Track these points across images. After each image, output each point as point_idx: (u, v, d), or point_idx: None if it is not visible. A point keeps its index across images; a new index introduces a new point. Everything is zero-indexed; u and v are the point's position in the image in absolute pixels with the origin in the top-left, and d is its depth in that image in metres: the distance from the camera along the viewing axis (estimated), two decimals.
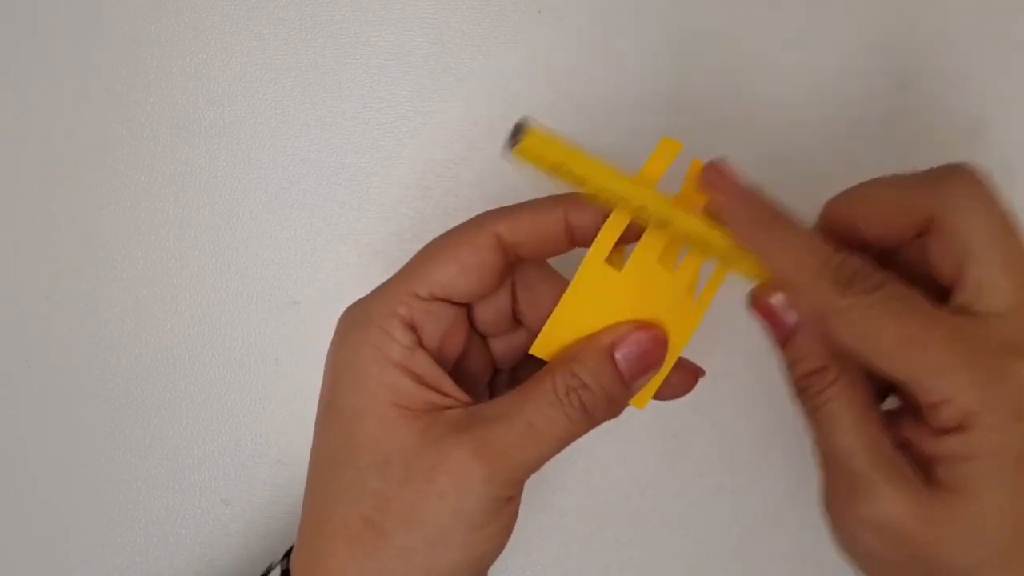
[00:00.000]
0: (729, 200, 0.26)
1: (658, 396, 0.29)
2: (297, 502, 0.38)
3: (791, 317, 0.27)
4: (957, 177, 0.26)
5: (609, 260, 0.27)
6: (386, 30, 0.38)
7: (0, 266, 0.38)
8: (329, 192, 0.38)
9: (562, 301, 0.27)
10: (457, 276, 0.27)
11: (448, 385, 0.28)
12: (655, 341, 0.27)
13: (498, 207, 0.29)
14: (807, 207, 0.38)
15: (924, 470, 0.26)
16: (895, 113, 0.37)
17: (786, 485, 0.37)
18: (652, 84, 0.38)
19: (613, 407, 0.27)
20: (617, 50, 0.38)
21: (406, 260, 0.37)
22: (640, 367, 0.27)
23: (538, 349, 0.27)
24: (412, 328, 0.28)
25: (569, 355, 0.27)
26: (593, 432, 0.33)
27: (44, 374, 0.38)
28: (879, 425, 0.26)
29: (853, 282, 0.25)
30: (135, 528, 0.38)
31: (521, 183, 0.38)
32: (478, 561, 0.27)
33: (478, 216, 0.28)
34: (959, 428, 0.25)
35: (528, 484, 0.37)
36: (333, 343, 0.29)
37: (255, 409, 0.38)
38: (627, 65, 0.38)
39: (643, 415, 0.37)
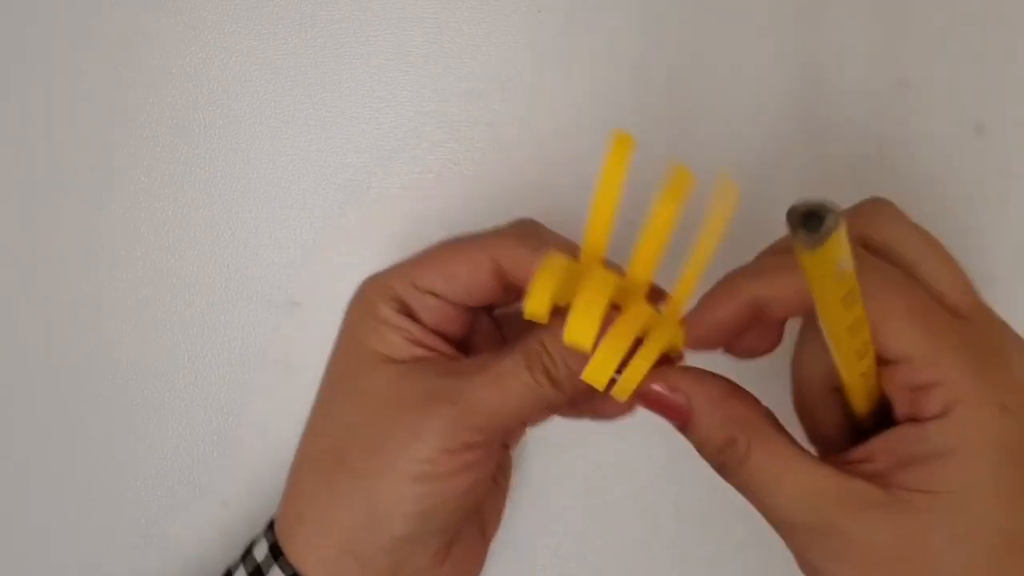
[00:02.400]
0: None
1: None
2: None
3: (682, 399, 0.26)
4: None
5: None
6: (386, 30, 0.38)
7: (0, 266, 0.38)
8: (329, 192, 0.38)
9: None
10: (449, 286, 0.29)
11: (440, 344, 0.29)
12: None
13: (513, 226, 0.30)
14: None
15: (889, 486, 0.24)
16: (895, 113, 0.38)
17: None
18: (653, 84, 0.38)
19: (576, 380, 0.27)
20: (618, 50, 0.38)
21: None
22: None
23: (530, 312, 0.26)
24: (406, 306, 0.29)
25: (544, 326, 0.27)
26: (595, 431, 0.33)
27: (44, 374, 0.38)
28: (815, 465, 0.25)
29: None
30: (135, 528, 0.38)
31: (520, 186, 0.38)
32: (428, 497, 0.27)
33: (488, 236, 0.29)
34: (943, 413, 0.24)
35: (530, 484, 0.38)
36: (346, 308, 0.31)
37: (255, 409, 0.38)
38: (628, 66, 0.38)
39: (646, 414, 0.37)
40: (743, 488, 0.26)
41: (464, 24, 0.38)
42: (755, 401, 0.27)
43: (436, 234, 0.31)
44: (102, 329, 0.38)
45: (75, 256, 0.38)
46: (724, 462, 0.26)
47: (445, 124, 0.38)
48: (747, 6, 0.38)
